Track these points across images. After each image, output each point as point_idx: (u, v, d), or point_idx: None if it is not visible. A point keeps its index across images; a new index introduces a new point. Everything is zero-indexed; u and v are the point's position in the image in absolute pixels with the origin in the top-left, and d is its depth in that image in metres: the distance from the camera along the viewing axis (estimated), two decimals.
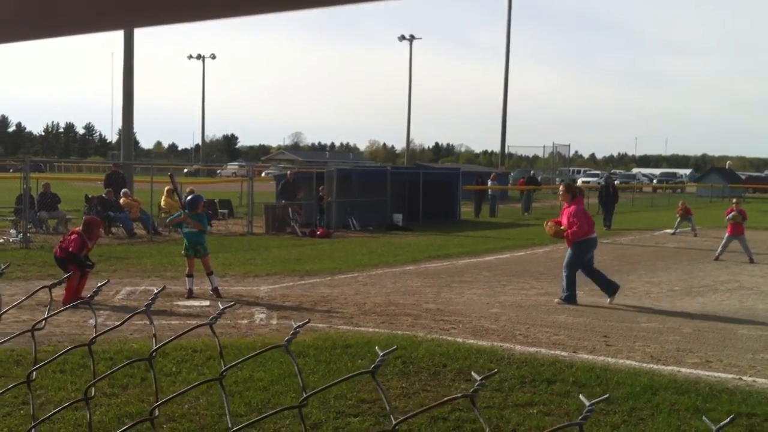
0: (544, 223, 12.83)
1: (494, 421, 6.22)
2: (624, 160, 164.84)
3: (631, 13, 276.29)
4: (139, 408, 6.30)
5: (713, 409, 6.52)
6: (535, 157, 71.10)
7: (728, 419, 1.03)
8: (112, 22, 0.71)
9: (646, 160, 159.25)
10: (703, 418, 1.15)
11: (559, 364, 7.98)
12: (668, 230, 26.00)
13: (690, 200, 35.61)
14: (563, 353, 8.60)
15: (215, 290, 11.79)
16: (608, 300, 11.96)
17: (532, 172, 44.05)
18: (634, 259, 18.44)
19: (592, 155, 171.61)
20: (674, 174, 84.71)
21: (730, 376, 7.82)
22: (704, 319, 10.97)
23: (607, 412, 6.49)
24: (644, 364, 8.18)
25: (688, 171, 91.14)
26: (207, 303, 11.36)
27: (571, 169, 73.76)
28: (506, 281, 14.28)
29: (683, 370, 8.01)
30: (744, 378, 7.74)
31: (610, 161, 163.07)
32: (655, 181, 75.14)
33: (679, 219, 25.24)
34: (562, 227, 12.02)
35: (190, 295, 11.68)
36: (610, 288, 12.05)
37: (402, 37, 72.44)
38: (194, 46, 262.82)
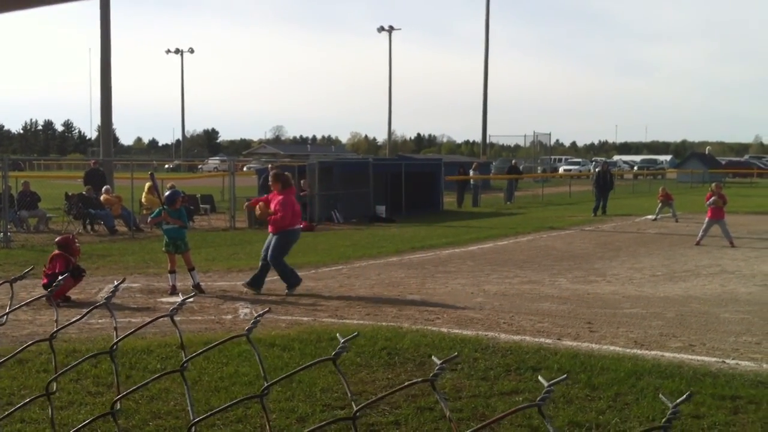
0: (253, 203, 12.55)
1: (480, 410, 6.22)
2: (605, 148, 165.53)
3: (610, 0, 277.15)
4: (125, 405, 6.25)
5: (697, 393, 6.56)
6: (517, 147, 71.18)
7: (684, 396, 1.01)
8: None
9: (626, 147, 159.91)
10: (660, 395, 1.13)
11: (543, 352, 8.00)
12: (649, 216, 26.15)
13: (670, 186, 35.85)
14: (548, 341, 8.63)
15: (197, 286, 11.72)
16: (242, 283, 12.00)
17: (513, 161, 44.08)
18: (616, 245, 18.52)
19: (573, 143, 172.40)
20: (655, 160, 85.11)
21: (714, 359, 7.87)
22: (687, 303, 11.04)
23: (592, 398, 6.51)
24: (628, 350, 8.22)
25: (668, 157, 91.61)
26: (190, 300, 11.26)
27: (553, 157, 73.89)
28: (490, 270, 14.30)
29: (667, 354, 8.05)
30: (727, 361, 7.79)
31: (591, 149, 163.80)
32: (635, 167, 75.48)
33: (660, 205, 25.39)
34: (270, 211, 11.89)
35: (173, 291, 11.62)
36: (256, 282, 11.95)
37: (381, 28, 72.28)
38: (172, 40, 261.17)
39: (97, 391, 6.73)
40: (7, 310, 1.48)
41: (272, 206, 11.85)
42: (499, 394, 6.64)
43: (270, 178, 12.36)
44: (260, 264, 12.05)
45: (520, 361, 7.62)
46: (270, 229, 12.01)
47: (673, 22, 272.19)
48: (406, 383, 1.18)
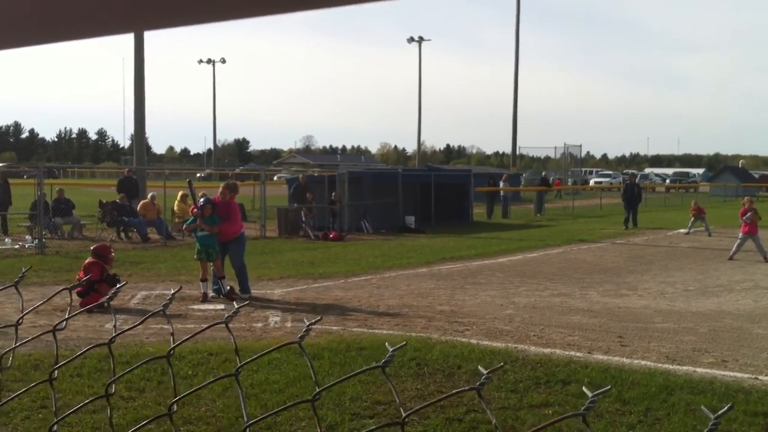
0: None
1: (509, 422, 6.22)
2: (636, 160, 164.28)
3: (642, 11, 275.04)
4: (156, 410, 6.33)
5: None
6: (547, 158, 71.11)
7: (726, 408, 1.03)
8: (122, 26, 0.72)
9: (658, 160, 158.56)
10: (702, 407, 1.16)
11: (573, 365, 7.97)
12: (682, 230, 25.90)
13: (703, 200, 35.50)
14: (578, 354, 8.59)
15: (228, 293, 11.84)
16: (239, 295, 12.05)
17: (543, 173, 43.94)
18: (647, 259, 18.38)
19: (604, 155, 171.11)
20: (687, 174, 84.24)
21: (746, 375, 7.78)
22: (719, 318, 10.92)
23: (622, 412, 6.48)
24: (659, 365, 8.16)
25: (701, 170, 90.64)
26: (221, 306, 11.40)
27: (583, 169, 73.54)
28: (519, 282, 14.26)
29: (699, 370, 7.98)
30: (760, 377, 7.70)
31: (623, 161, 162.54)
32: (668, 180, 74.78)
33: (692, 219, 25.14)
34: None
35: (205, 299, 11.74)
36: (244, 287, 12.19)
37: (411, 39, 72.45)
38: (204, 50, 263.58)
39: (129, 395, 6.82)
40: (66, 316, 1.53)
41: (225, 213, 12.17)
42: (529, 407, 6.63)
43: (226, 189, 12.57)
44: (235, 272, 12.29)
45: (550, 374, 7.59)
46: (226, 236, 12.15)
47: (706, 32, 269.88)
48: (454, 391, 1.22)
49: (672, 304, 12.09)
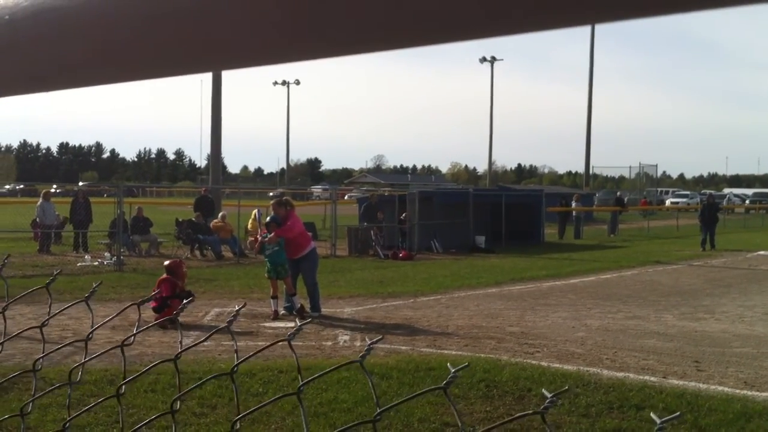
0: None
1: None
2: (714, 180, 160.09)
3: (719, 30, 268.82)
4: (226, 427, 6.42)
5: None
6: (621, 178, 69.89)
7: None
8: (198, 66, 0.75)
9: (737, 180, 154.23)
10: None
11: (648, 390, 7.78)
12: (762, 252, 25.08)
13: None
14: (652, 378, 8.38)
15: (299, 310, 11.95)
16: (309, 316, 11.84)
17: (618, 193, 43.17)
18: (726, 281, 17.83)
19: (681, 175, 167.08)
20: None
21: None
22: None
23: None
24: (737, 391, 7.89)
25: None
26: (292, 324, 11.46)
27: (659, 189, 71.94)
28: (592, 304, 14.00)
29: None
30: None
31: (700, 181, 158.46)
32: (747, 201, 72.53)
33: None
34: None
35: (276, 316, 11.87)
36: (314, 305, 12.16)
37: (483, 59, 72.35)
38: (279, 72, 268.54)
39: (201, 412, 6.93)
40: (134, 331, 1.58)
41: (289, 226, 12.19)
42: None
43: (276, 205, 12.63)
44: (307, 291, 12.37)
45: (624, 399, 7.42)
46: (296, 252, 12.25)
47: None
48: (518, 414, 1.20)
49: (751, 329, 11.69)
